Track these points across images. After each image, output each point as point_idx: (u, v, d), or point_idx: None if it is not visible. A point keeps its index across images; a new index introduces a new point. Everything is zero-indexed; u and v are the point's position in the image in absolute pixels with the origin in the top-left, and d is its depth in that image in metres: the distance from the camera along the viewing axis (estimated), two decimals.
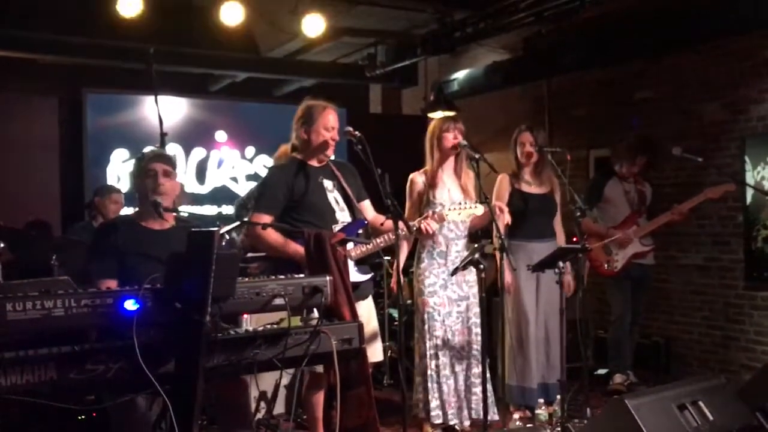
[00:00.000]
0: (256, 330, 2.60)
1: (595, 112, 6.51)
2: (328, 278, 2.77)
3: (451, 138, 4.20)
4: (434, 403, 4.15)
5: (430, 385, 4.15)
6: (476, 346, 4.19)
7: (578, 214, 4.15)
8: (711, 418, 3.21)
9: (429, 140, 4.31)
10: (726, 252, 5.55)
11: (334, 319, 2.88)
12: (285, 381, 4.28)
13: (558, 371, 4.27)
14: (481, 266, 3.71)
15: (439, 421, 4.16)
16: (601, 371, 5.44)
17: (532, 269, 4.09)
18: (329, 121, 3.64)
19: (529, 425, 4.15)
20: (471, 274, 4.18)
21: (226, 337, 2.49)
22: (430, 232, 3.86)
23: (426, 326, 4.17)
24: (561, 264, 3.96)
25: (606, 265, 5.17)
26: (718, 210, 5.54)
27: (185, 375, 2.31)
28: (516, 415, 4.33)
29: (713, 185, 4.99)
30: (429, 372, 4.15)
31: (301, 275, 2.81)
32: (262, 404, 4.26)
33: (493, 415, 4.11)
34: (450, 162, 4.30)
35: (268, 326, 2.65)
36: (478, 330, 4.17)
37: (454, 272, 3.96)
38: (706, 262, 5.70)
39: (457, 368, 4.20)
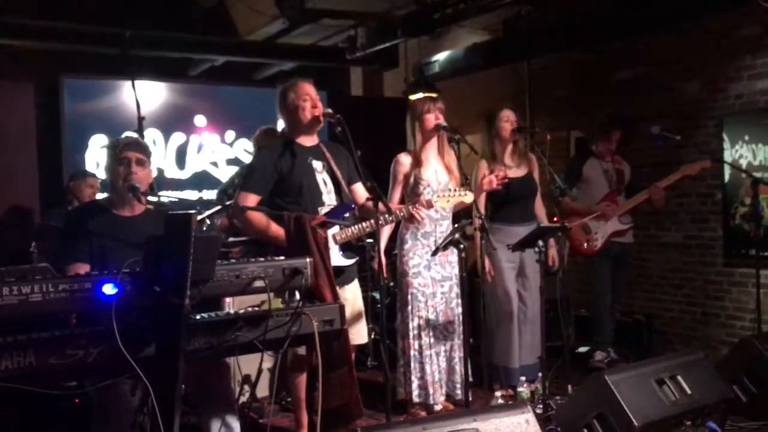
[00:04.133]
0: (237, 312, 2.60)
1: (575, 93, 6.52)
2: (308, 260, 2.77)
3: (432, 119, 4.21)
4: (416, 383, 4.19)
5: (412, 364, 4.18)
6: (458, 327, 4.22)
7: (558, 193, 4.17)
8: (689, 392, 3.25)
9: (411, 122, 4.32)
10: (705, 230, 5.61)
11: (315, 301, 2.88)
12: (269, 364, 4.29)
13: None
14: (462, 246, 3.72)
15: (419, 399, 4.19)
16: (582, 349, 5.49)
17: (513, 249, 4.11)
18: (304, 91, 3.60)
19: (510, 402, 4.18)
20: (453, 255, 4.20)
21: (207, 320, 2.49)
22: (423, 219, 3.85)
23: (409, 307, 4.20)
24: (540, 243, 3.99)
25: (585, 245, 5.19)
26: (696, 188, 5.59)
27: (166, 358, 2.30)
28: (498, 393, 4.38)
29: (691, 163, 5.03)
30: (412, 352, 4.18)
31: (282, 257, 2.80)
32: (246, 388, 4.27)
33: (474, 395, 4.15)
34: (433, 142, 4.31)
35: (250, 309, 2.65)
36: (460, 310, 4.20)
37: (435, 252, 3.97)
38: (685, 240, 5.75)
39: (440, 348, 4.24)
